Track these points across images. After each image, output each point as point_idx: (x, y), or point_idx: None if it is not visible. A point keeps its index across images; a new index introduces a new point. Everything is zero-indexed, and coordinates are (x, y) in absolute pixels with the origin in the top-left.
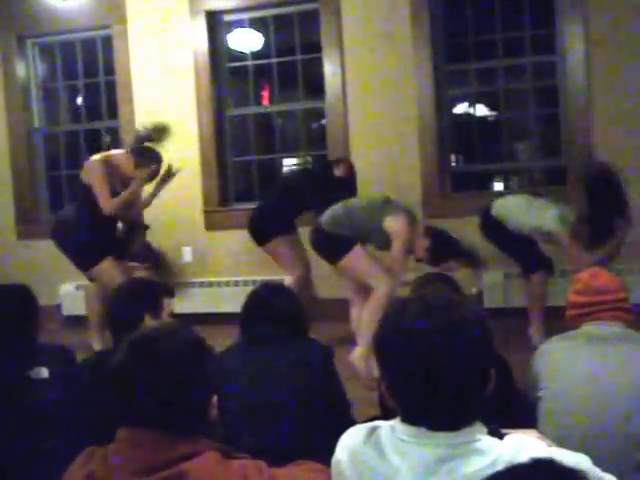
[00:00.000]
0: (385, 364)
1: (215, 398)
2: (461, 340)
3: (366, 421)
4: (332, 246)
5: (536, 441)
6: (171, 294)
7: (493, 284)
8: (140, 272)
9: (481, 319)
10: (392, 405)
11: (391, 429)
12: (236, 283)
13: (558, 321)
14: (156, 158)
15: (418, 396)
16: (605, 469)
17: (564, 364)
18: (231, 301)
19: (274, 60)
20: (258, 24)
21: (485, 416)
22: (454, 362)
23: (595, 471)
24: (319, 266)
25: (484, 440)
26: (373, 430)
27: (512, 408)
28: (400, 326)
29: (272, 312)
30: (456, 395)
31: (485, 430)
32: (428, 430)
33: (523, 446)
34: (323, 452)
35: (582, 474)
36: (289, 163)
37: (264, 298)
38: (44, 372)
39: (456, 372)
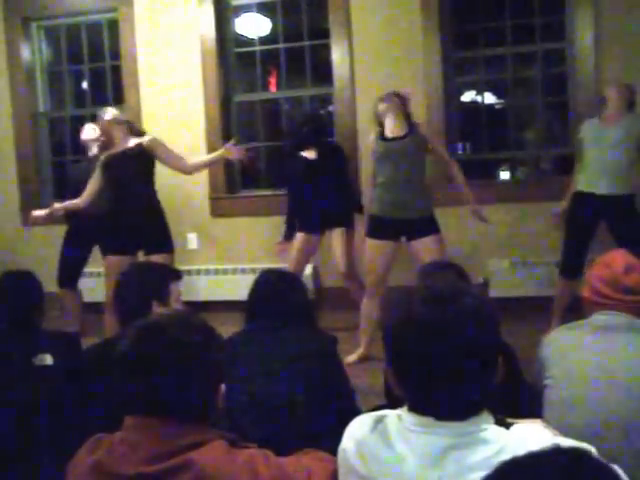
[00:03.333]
0: (392, 353)
1: (223, 387)
2: (468, 329)
3: (371, 410)
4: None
5: (542, 431)
6: (178, 277)
7: (499, 273)
8: None
9: (488, 308)
10: (399, 394)
11: (398, 418)
12: (242, 270)
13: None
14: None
15: (425, 385)
16: (610, 459)
17: (571, 353)
18: (237, 289)
19: (282, 46)
20: (266, 9)
21: (491, 405)
22: (461, 351)
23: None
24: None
25: (491, 429)
26: (380, 419)
27: (518, 397)
28: (407, 315)
29: (278, 300)
30: (463, 384)
31: (492, 419)
32: (435, 419)
33: (529, 436)
34: (328, 441)
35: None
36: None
37: (271, 286)
38: (48, 359)
39: (463, 361)
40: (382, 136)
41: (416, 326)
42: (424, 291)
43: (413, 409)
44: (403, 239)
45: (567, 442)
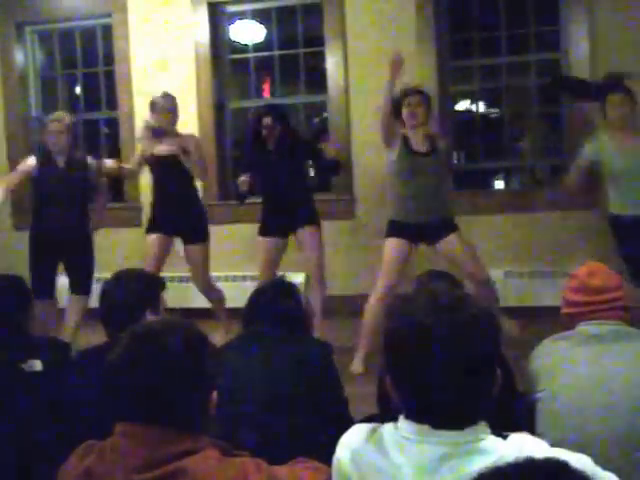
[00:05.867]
0: (392, 358)
1: (215, 395)
2: (471, 337)
3: (364, 419)
4: None
5: (539, 442)
6: (164, 287)
7: (494, 282)
8: None
9: (490, 317)
10: (396, 400)
11: (394, 427)
12: (234, 278)
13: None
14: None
15: (424, 392)
16: (605, 469)
17: (562, 364)
18: (229, 296)
19: (276, 53)
20: (261, 16)
21: (488, 417)
22: (462, 359)
23: (596, 471)
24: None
25: (488, 440)
26: (375, 429)
27: (512, 409)
28: (409, 320)
29: (275, 310)
30: (463, 393)
31: (489, 430)
32: (432, 428)
33: (527, 447)
34: (321, 449)
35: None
36: None
37: (270, 295)
38: (38, 365)
39: (464, 370)
40: (407, 148)
41: (417, 333)
42: (426, 298)
43: (410, 417)
44: (422, 245)
45: (564, 453)
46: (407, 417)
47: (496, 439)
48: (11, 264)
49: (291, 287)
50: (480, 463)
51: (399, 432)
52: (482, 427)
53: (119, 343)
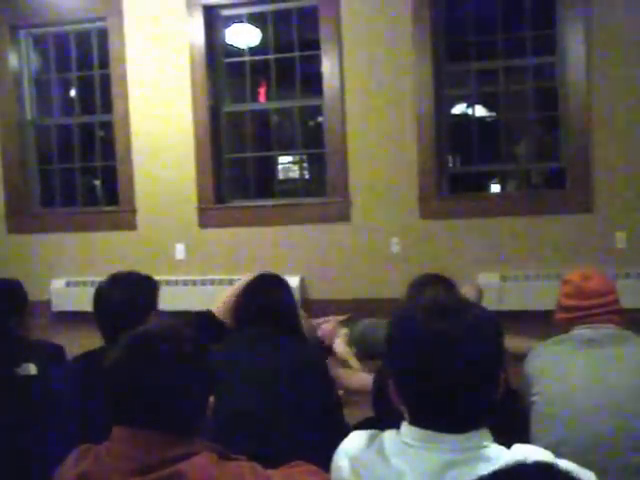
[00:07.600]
0: (397, 361)
1: (212, 399)
2: (474, 340)
3: (359, 423)
4: None
5: (544, 452)
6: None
7: (489, 286)
8: None
9: (492, 320)
10: (398, 405)
11: (395, 433)
12: (230, 281)
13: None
14: None
15: (428, 396)
16: (601, 472)
17: (557, 368)
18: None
19: (272, 56)
20: (256, 19)
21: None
22: (467, 362)
23: None
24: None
25: (491, 447)
26: (374, 436)
27: (509, 411)
28: (415, 324)
29: (265, 304)
30: (467, 396)
31: (491, 437)
32: (435, 432)
33: (531, 455)
34: (315, 453)
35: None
36: (285, 161)
37: (259, 290)
38: (32, 369)
39: (468, 373)
40: None
41: (420, 338)
42: (431, 302)
43: (413, 422)
44: None
45: (568, 464)
46: (410, 423)
47: (500, 447)
48: (6, 267)
49: (279, 281)
50: (484, 471)
51: (401, 438)
52: (484, 433)
53: (116, 347)
